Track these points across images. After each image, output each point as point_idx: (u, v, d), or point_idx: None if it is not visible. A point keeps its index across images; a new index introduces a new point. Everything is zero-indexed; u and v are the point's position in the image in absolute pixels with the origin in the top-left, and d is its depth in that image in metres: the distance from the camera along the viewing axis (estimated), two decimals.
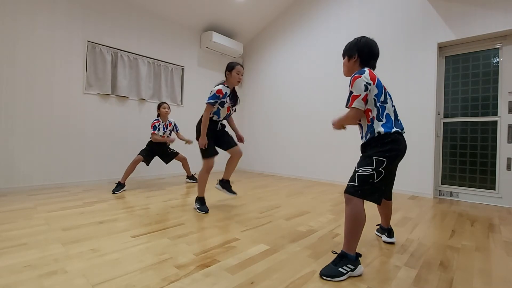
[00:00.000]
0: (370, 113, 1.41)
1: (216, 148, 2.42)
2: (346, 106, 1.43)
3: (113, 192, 2.99)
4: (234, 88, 2.43)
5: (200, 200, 2.40)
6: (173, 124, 3.56)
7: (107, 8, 3.62)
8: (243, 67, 2.39)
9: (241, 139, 2.58)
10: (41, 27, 3.11)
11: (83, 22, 3.42)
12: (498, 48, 2.98)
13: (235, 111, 2.53)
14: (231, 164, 2.51)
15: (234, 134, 2.64)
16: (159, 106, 3.44)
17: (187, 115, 4.63)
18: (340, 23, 4.10)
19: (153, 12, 4.11)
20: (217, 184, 2.56)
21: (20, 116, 2.99)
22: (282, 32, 4.87)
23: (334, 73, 4.13)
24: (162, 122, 3.45)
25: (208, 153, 2.32)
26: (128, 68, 3.84)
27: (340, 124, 1.53)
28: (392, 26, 3.57)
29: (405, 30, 3.46)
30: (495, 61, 2.99)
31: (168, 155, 3.57)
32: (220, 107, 2.35)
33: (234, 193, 2.54)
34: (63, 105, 3.29)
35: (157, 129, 3.38)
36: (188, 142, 3.60)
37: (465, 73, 3.18)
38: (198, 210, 2.35)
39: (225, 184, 2.54)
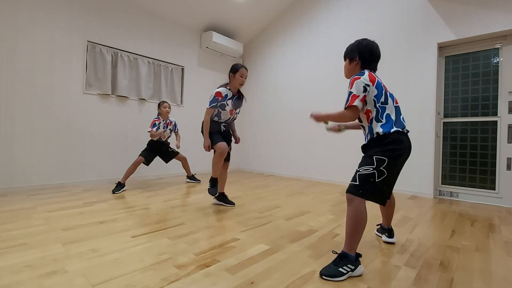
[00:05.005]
0: (370, 113, 1.41)
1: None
2: (345, 106, 1.42)
3: (113, 192, 2.98)
4: (239, 90, 2.44)
5: (212, 181, 2.44)
6: (173, 124, 3.57)
7: (107, 8, 3.62)
8: (247, 70, 2.38)
9: (237, 140, 2.65)
10: (41, 27, 3.11)
11: (83, 22, 3.42)
12: (498, 48, 2.98)
13: (238, 113, 2.54)
14: (222, 176, 2.55)
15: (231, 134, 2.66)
16: (159, 105, 3.45)
17: (187, 115, 4.63)
18: (340, 23, 4.10)
19: (153, 12, 4.11)
20: (213, 198, 2.64)
21: (20, 116, 2.99)
22: (282, 32, 4.87)
23: (334, 73, 4.13)
24: (163, 120, 3.45)
25: (215, 142, 2.33)
26: (128, 68, 3.84)
27: (324, 118, 1.49)
28: (392, 26, 3.57)
29: (405, 30, 3.46)
30: (495, 61, 2.99)
31: (168, 154, 3.58)
32: (220, 110, 2.35)
33: (232, 203, 2.59)
34: (63, 105, 3.29)
35: (156, 127, 3.38)
36: (177, 145, 3.56)
37: (465, 73, 3.18)
38: (208, 191, 2.46)
39: (221, 198, 2.60)
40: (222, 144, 2.30)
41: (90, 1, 3.47)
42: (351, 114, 1.37)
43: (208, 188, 2.45)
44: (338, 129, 1.83)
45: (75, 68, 3.37)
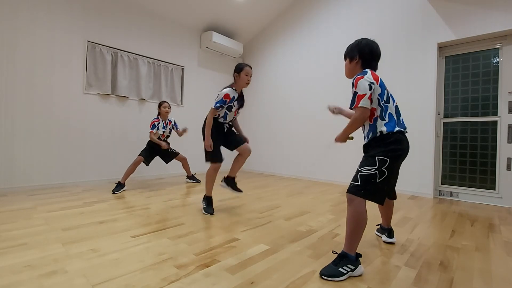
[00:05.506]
0: (375, 112, 1.41)
1: (222, 152, 2.39)
2: (351, 107, 1.42)
3: (113, 192, 2.98)
4: (241, 90, 2.41)
5: (207, 200, 2.37)
6: (172, 123, 3.57)
7: (107, 8, 3.62)
8: (251, 68, 2.33)
9: (245, 140, 2.53)
10: (41, 27, 3.11)
11: (83, 22, 3.41)
12: (498, 48, 2.98)
13: (239, 112, 2.51)
14: (238, 162, 2.43)
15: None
16: (159, 105, 3.45)
17: (187, 115, 4.63)
18: (340, 23, 4.10)
19: (153, 12, 4.11)
20: (222, 181, 2.48)
21: (20, 116, 2.99)
22: (282, 32, 4.87)
23: (334, 73, 4.13)
24: (162, 120, 3.45)
25: (211, 156, 2.28)
26: (128, 68, 3.84)
27: (345, 135, 1.49)
28: (392, 26, 3.57)
29: (405, 30, 3.46)
30: (495, 61, 2.99)
31: (168, 154, 3.58)
32: (227, 111, 2.33)
33: (239, 190, 2.46)
34: (63, 105, 3.29)
35: (156, 127, 3.38)
36: (184, 131, 3.57)
37: (465, 73, 3.18)
38: (203, 211, 2.34)
39: (230, 182, 2.46)
40: (218, 160, 2.29)
41: (90, 1, 3.47)
42: (362, 115, 1.36)
43: (204, 207, 2.34)
44: (333, 111, 1.85)
45: (75, 68, 3.37)
